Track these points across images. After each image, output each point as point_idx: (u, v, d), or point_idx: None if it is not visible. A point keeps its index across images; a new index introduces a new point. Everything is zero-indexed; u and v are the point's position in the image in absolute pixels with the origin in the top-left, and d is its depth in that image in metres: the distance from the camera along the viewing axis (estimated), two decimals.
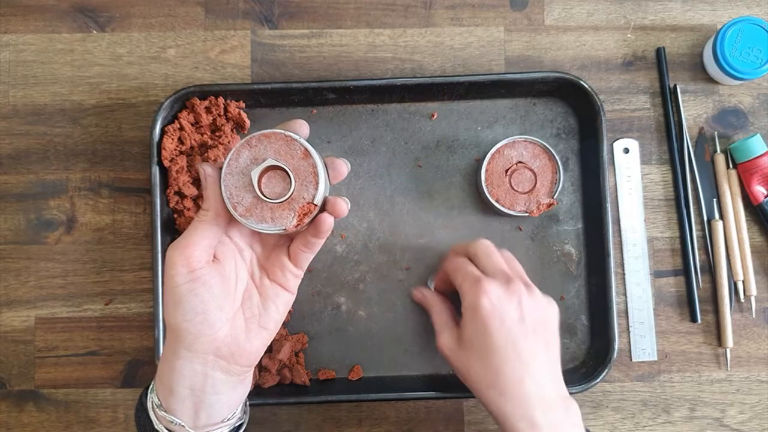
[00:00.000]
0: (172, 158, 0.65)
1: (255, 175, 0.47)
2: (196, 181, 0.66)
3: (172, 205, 0.66)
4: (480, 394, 0.55)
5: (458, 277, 0.58)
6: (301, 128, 0.49)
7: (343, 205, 0.49)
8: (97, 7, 0.70)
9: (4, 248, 0.69)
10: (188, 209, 0.65)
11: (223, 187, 0.47)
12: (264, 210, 0.47)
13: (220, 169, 0.48)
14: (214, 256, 0.49)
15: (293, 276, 0.51)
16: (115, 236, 0.68)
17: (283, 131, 0.48)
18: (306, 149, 0.47)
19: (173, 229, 0.66)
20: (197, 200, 0.66)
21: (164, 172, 0.66)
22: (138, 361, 0.68)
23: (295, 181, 0.47)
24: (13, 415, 0.67)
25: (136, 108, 0.69)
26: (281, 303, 0.51)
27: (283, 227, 0.47)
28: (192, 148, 0.66)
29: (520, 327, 0.55)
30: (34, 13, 0.70)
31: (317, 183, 0.47)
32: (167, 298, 0.48)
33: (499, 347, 0.54)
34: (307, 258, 0.51)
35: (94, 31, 0.70)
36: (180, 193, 0.66)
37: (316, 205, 0.47)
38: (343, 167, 0.50)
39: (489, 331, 0.54)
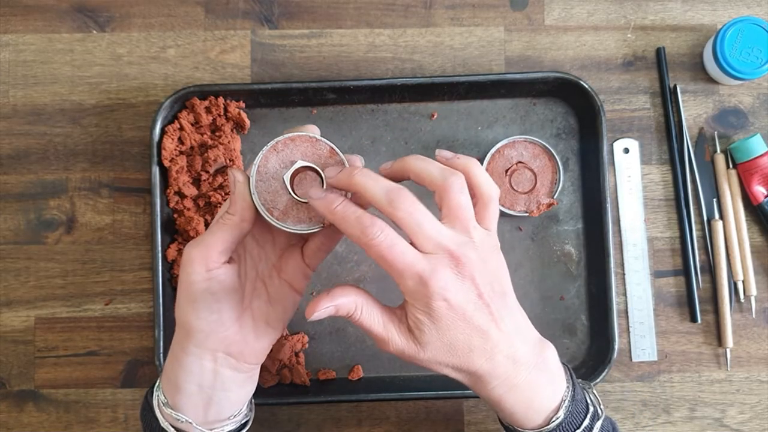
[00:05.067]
0: (172, 158, 0.65)
1: (287, 177, 0.48)
2: (196, 181, 0.66)
3: (172, 205, 0.66)
4: (450, 374, 0.49)
5: (393, 271, 0.45)
6: (314, 132, 0.50)
7: (358, 161, 0.50)
8: (96, 7, 0.70)
9: (4, 248, 0.69)
10: (188, 209, 0.65)
11: (255, 194, 0.48)
12: (300, 211, 0.48)
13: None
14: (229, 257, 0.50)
15: (304, 276, 0.52)
16: (115, 236, 0.68)
17: (306, 133, 0.49)
18: (331, 147, 0.49)
19: (173, 229, 0.66)
20: (197, 200, 0.66)
21: (164, 172, 0.66)
22: (138, 361, 0.68)
23: (326, 179, 0.48)
24: (13, 415, 0.67)
25: (136, 108, 0.69)
26: (289, 303, 0.52)
27: (321, 224, 0.48)
28: (192, 148, 0.66)
29: (480, 303, 0.47)
30: (34, 13, 0.70)
31: None
32: (182, 296, 0.49)
33: (465, 338, 0.46)
34: (321, 257, 0.52)
35: (94, 31, 0.70)
36: (180, 193, 0.66)
37: (348, 199, 0.48)
38: (358, 162, 0.51)
39: (451, 328, 0.46)
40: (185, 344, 0.50)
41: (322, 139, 0.49)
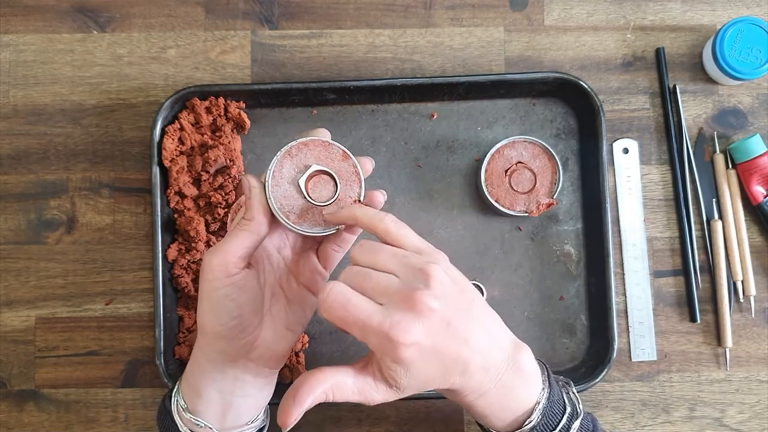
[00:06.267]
0: (173, 158, 0.65)
1: (302, 182, 0.49)
2: (197, 182, 0.66)
3: (172, 205, 0.66)
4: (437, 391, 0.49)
5: (356, 331, 0.45)
6: (324, 135, 0.51)
7: (380, 197, 0.51)
8: (97, 7, 0.70)
9: (4, 248, 0.69)
10: (188, 209, 0.65)
11: (272, 199, 0.48)
12: (316, 214, 0.49)
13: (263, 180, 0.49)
14: (248, 263, 0.50)
15: (321, 278, 0.53)
16: (116, 236, 0.68)
17: (319, 138, 0.50)
18: (344, 151, 0.50)
19: (173, 229, 0.66)
20: (197, 200, 0.66)
21: (164, 172, 0.66)
22: (138, 361, 0.68)
23: (340, 182, 0.49)
24: (14, 415, 0.68)
25: (136, 108, 0.69)
26: (307, 306, 0.53)
27: (336, 227, 0.49)
28: (192, 148, 0.66)
29: (448, 329, 0.45)
30: (34, 13, 0.70)
31: (360, 181, 0.50)
32: (203, 302, 0.49)
33: (440, 366, 0.46)
34: (337, 258, 0.53)
35: (95, 31, 0.70)
36: (180, 193, 0.66)
37: (361, 201, 0.50)
38: (369, 165, 0.52)
39: (427, 366, 0.45)
40: (207, 351, 0.50)
41: (335, 143, 0.50)
